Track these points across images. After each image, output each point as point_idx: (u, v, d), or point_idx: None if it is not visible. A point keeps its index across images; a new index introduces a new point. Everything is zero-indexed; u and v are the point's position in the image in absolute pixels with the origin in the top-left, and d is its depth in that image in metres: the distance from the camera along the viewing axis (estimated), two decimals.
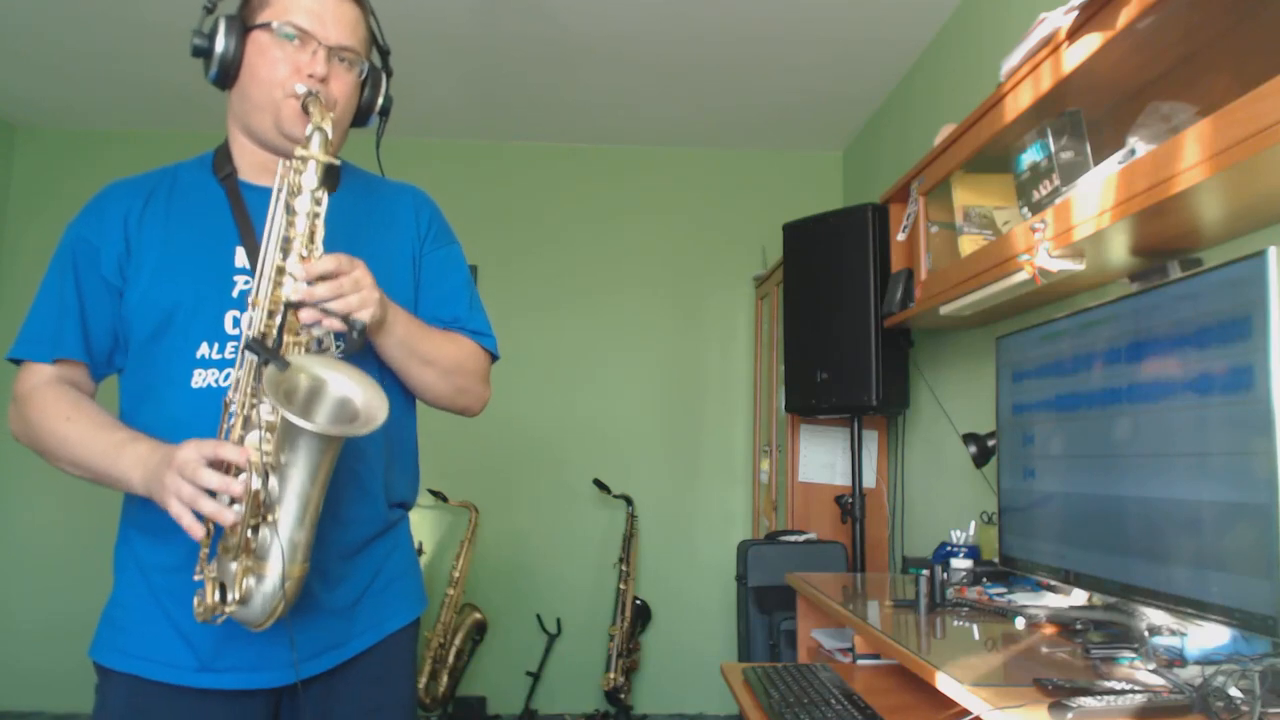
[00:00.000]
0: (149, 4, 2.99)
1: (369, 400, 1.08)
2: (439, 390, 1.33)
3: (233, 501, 1.03)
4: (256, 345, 1.06)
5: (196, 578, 1.08)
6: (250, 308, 1.12)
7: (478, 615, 3.82)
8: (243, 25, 1.21)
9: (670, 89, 3.67)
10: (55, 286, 1.23)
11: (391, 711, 1.31)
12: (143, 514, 1.20)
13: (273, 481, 1.05)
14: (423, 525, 4.06)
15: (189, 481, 1.03)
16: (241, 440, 1.07)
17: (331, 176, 1.15)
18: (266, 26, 1.19)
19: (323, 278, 1.09)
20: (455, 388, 1.34)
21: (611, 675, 3.81)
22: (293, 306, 1.09)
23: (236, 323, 1.20)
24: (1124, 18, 1.44)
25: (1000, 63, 1.83)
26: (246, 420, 1.09)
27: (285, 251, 1.11)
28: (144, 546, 1.22)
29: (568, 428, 4.17)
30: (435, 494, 3.89)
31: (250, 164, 1.27)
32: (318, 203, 1.12)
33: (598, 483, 4.00)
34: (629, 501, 4.00)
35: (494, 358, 1.43)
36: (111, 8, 3.01)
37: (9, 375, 1.26)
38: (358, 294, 1.11)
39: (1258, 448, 1.14)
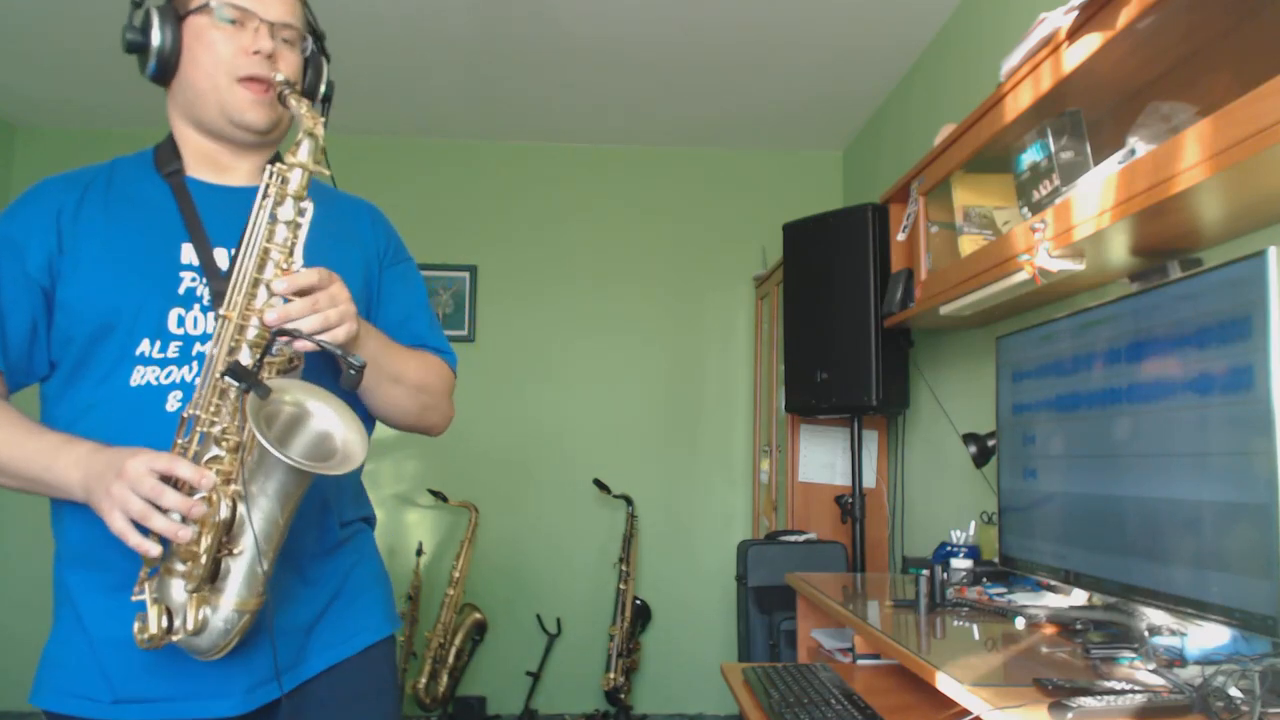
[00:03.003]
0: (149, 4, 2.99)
1: (348, 438, 1.05)
2: (405, 408, 1.28)
3: (184, 520, 0.97)
4: (237, 369, 1.00)
5: (135, 597, 1.01)
6: (221, 322, 1.06)
7: (478, 615, 3.82)
8: (176, 14, 1.15)
9: (670, 89, 3.67)
10: None
11: None
12: (71, 529, 1.13)
13: (241, 509, 1.00)
14: (423, 525, 4.07)
15: (141, 496, 0.96)
16: (198, 458, 1.02)
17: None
18: (204, 8, 1.13)
19: (302, 292, 1.04)
20: (421, 405, 1.29)
21: (611, 675, 3.81)
22: (280, 333, 1.04)
23: (181, 321, 1.14)
24: (1124, 18, 1.44)
25: (1000, 63, 1.83)
26: (205, 436, 1.03)
27: (261, 264, 1.06)
28: (71, 566, 1.14)
29: (568, 428, 4.17)
30: (435, 494, 3.89)
31: (197, 158, 1.21)
32: (301, 214, 1.08)
33: (598, 483, 4.00)
34: (629, 501, 4.00)
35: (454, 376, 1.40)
36: (111, 8, 3.01)
37: None
38: (335, 309, 1.06)
39: (1258, 448, 1.14)
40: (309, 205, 1.09)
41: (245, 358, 1.04)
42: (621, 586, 3.91)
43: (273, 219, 1.07)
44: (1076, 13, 1.54)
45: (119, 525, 0.97)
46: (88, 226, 1.15)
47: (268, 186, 1.08)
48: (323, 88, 1.28)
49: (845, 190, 4.28)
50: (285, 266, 1.07)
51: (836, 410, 2.97)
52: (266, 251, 1.07)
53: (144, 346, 1.12)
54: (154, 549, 0.98)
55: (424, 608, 3.88)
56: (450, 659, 3.72)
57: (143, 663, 1.09)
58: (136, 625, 1.00)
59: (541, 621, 4.00)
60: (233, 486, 1.01)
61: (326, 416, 1.06)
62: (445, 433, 1.41)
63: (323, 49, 1.29)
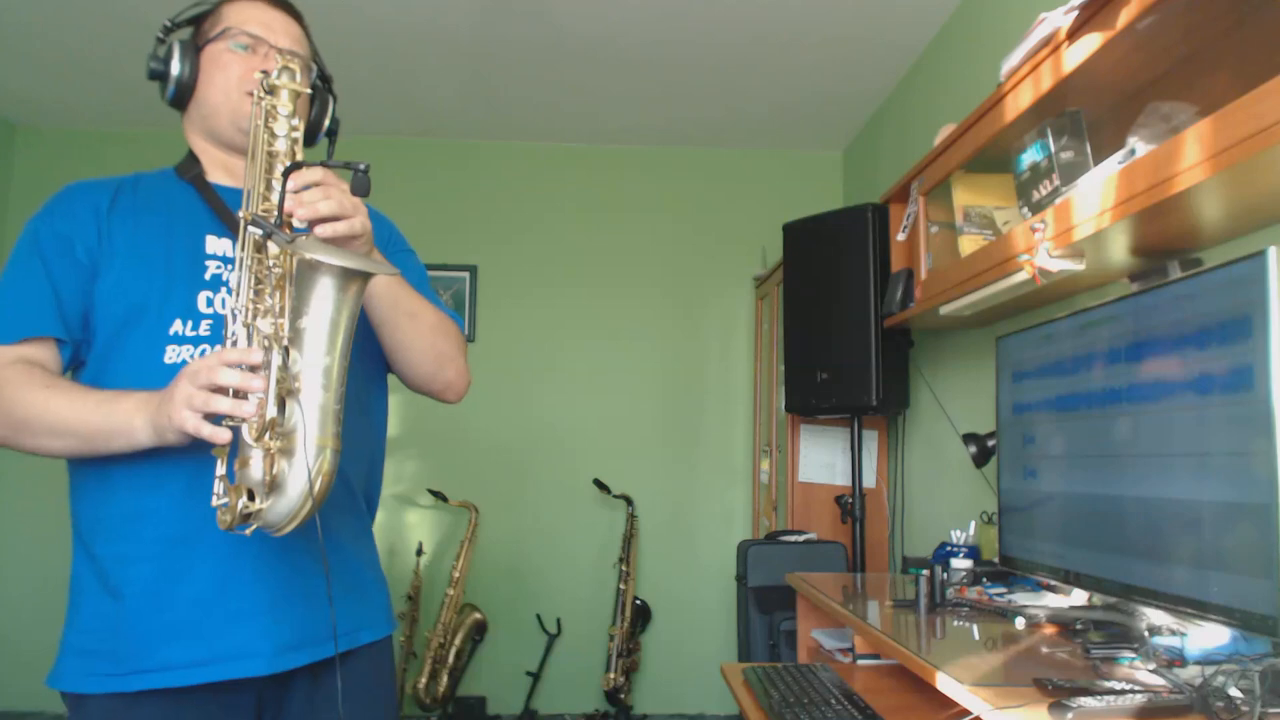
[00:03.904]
0: (149, 4, 2.99)
1: (367, 265, 1.05)
2: (423, 350, 1.31)
3: (245, 396, 1.00)
4: (259, 220, 1.04)
5: (217, 502, 1.02)
6: (241, 223, 1.10)
7: (478, 615, 3.82)
8: (196, 46, 1.27)
9: (670, 89, 3.67)
10: (19, 272, 1.19)
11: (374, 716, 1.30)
12: (102, 506, 1.17)
13: (293, 354, 1.01)
14: (423, 525, 4.07)
15: (201, 386, 1.00)
16: (252, 323, 1.06)
17: (304, 107, 1.18)
18: (220, 36, 1.25)
19: (309, 186, 1.09)
20: (439, 353, 1.32)
21: (611, 675, 3.81)
22: (291, 167, 1.08)
23: (210, 302, 1.21)
24: (1124, 18, 1.44)
25: (1000, 63, 1.83)
26: (250, 329, 1.06)
27: (270, 166, 1.12)
28: (103, 543, 1.17)
29: (568, 428, 4.17)
30: (435, 494, 3.89)
31: (215, 166, 1.30)
32: (294, 129, 1.14)
33: (598, 483, 4.00)
34: (629, 501, 4.00)
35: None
36: (111, 8, 3.01)
37: None
38: (349, 199, 1.12)
39: (1258, 448, 1.14)
40: (300, 122, 1.15)
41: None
42: (621, 586, 3.91)
43: (270, 133, 1.14)
44: (1076, 13, 1.54)
45: (191, 423, 1.00)
46: (120, 223, 1.23)
47: (259, 101, 1.14)
48: (327, 122, 1.38)
49: (845, 190, 4.28)
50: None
51: (836, 410, 2.97)
52: (271, 155, 1.13)
53: (176, 326, 1.18)
54: (224, 435, 1.00)
55: (424, 608, 3.88)
56: (450, 659, 3.72)
57: (170, 629, 1.13)
58: (219, 513, 1.01)
59: (541, 621, 4.00)
60: (280, 328, 1.02)
61: (345, 257, 1.04)
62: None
63: (330, 89, 1.38)
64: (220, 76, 1.24)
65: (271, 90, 1.14)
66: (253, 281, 1.08)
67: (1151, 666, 1.27)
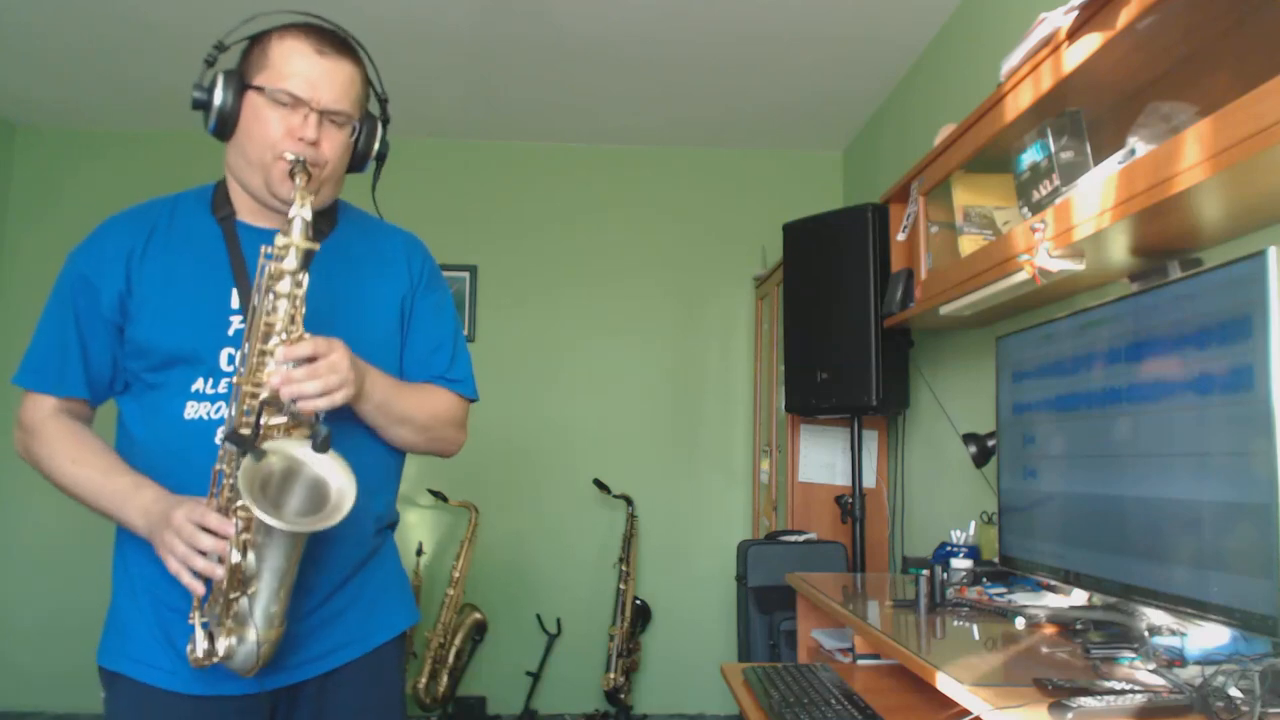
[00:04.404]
0: (149, 4, 2.99)
1: (340, 484, 1.15)
2: (413, 443, 1.40)
3: (220, 560, 1.13)
4: (235, 438, 1.13)
5: (191, 620, 1.16)
6: (235, 392, 1.18)
7: (478, 615, 3.82)
8: (240, 82, 1.26)
9: (670, 89, 3.67)
10: (56, 321, 1.29)
11: (380, 712, 1.38)
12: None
13: (251, 556, 1.14)
14: (423, 525, 4.07)
15: (184, 542, 1.12)
16: (230, 504, 1.15)
17: (309, 260, 1.20)
18: (261, 90, 1.24)
19: (301, 361, 1.15)
20: (429, 439, 1.41)
21: (611, 675, 3.81)
22: (273, 398, 1.16)
23: (231, 359, 1.26)
24: (1124, 18, 1.44)
25: (1000, 63, 1.83)
26: (234, 488, 1.15)
27: (267, 336, 1.17)
28: (135, 559, 1.27)
29: (568, 428, 4.17)
30: (435, 494, 3.89)
31: (246, 207, 1.33)
32: (299, 285, 1.17)
33: (598, 483, 4.00)
34: (629, 501, 4.00)
35: (472, 400, 1.50)
36: (111, 8, 3.01)
37: (6, 381, 1.31)
38: (336, 375, 1.17)
39: (1258, 448, 1.14)
40: (304, 278, 1.18)
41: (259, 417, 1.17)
42: (621, 586, 3.91)
43: (273, 294, 1.17)
44: (1076, 13, 1.54)
45: (174, 567, 1.14)
46: (152, 270, 1.28)
47: (264, 267, 1.18)
48: (376, 146, 1.37)
49: (845, 190, 4.28)
50: (285, 336, 1.17)
51: (836, 410, 2.97)
52: (270, 325, 1.17)
53: (198, 384, 1.25)
54: (199, 588, 1.14)
55: (424, 608, 3.88)
56: (450, 659, 3.72)
57: (179, 643, 1.21)
58: (189, 647, 1.16)
59: (541, 621, 4.00)
60: (244, 536, 1.14)
61: (319, 466, 1.17)
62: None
63: (384, 112, 1.40)
64: (259, 131, 1.24)
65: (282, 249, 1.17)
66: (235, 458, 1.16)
67: (1151, 666, 1.27)
